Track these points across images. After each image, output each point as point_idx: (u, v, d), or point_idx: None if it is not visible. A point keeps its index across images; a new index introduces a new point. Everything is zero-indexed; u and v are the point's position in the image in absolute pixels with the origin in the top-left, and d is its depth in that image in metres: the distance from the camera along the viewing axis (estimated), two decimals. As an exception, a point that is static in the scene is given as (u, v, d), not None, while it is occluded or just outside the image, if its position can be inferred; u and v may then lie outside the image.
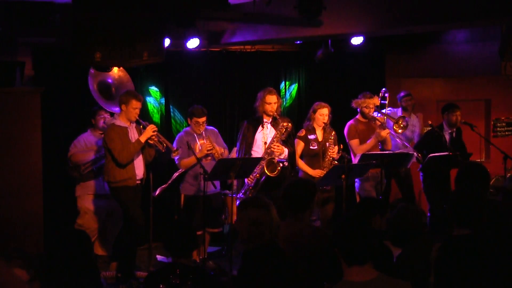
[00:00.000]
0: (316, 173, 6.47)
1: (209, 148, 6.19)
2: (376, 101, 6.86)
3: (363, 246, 2.78)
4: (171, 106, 7.65)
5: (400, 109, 7.64)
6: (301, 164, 6.58)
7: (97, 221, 6.51)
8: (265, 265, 3.39)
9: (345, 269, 2.80)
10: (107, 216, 6.56)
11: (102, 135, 6.39)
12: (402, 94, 7.67)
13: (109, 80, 6.40)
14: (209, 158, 6.26)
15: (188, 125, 6.42)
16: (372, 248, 2.80)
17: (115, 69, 6.29)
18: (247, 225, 3.43)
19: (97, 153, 6.39)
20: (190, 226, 3.82)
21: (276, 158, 6.20)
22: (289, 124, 6.27)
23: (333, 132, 6.58)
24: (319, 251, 3.77)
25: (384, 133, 6.73)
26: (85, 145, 6.41)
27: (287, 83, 8.26)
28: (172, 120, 7.67)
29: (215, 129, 6.58)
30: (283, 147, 6.25)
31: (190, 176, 6.34)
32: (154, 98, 7.56)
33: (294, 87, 8.32)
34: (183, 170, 6.33)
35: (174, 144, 6.27)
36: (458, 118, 7.22)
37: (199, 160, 5.96)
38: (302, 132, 6.61)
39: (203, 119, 6.27)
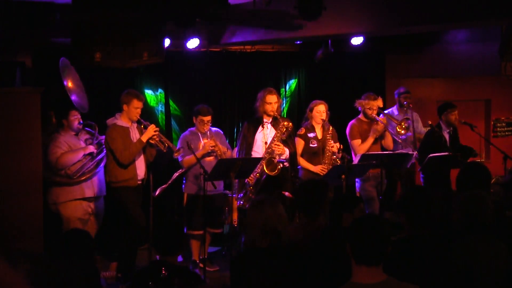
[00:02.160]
0: (318, 169, 6.47)
1: (212, 145, 6.20)
2: (380, 103, 6.86)
3: (375, 245, 2.67)
4: (171, 106, 7.65)
5: (396, 106, 7.62)
6: (302, 162, 6.58)
7: (89, 226, 6.25)
8: (262, 266, 3.38)
9: (353, 269, 2.70)
10: (99, 219, 6.38)
11: (78, 136, 6.24)
12: (401, 90, 7.63)
13: (64, 82, 6.26)
14: (213, 155, 6.25)
15: (193, 125, 6.44)
16: (385, 250, 2.69)
17: (69, 80, 6.19)
18: (261, 225, 3.42)
19: (87, 152, 6.20)
20: (178, 226, 3.80)
21: (277, 157, 6.20)
22: (290, 123, 6.27)
23: (331, 128, 6.56)
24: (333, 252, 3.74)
25: (380, 127, 6.74)
26: (69, 147, 6.13)
27: (287, 83, 8.27)
28: (172, 121, 7.68)
29: (220, 131, 6.60)
30: (284, 147, 6.25)
31: (193, 175, 6.33)
32: (148, 102, 7.52)
33: (293, 82, 8.33)
34: (183, 171, 6.33)
35: (179, 143, 6.31)
36: (456, 117, 7.23)
37: (198, 160, 5.95)
38: (301, 131, 6.62)
39: (208, 118, 6.29)
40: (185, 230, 6.33)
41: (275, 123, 6.33)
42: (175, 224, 3.80)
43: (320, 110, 6.58)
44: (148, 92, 7.54)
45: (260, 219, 3.42)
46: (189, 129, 6.54)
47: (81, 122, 6.21)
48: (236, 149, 6.58)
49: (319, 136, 6.60)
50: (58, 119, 6.25)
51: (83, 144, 6.19)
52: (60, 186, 6.12)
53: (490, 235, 3.57)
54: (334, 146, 6.48)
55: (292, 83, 8.31)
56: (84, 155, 6.11)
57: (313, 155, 6.57)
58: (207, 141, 6.27)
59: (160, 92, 7.60)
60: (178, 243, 3.66)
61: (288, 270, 3.36)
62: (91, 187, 6.15)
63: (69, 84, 6.19)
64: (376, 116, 6.83)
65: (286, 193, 6.17)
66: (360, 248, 2.67)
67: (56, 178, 6.10)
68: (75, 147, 6.14)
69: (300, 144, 6.56)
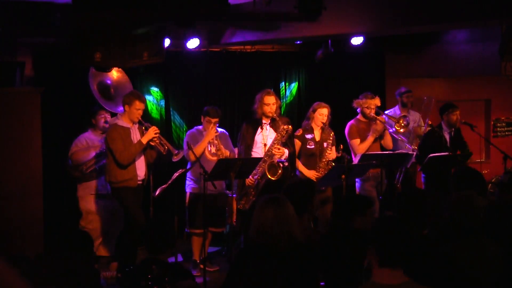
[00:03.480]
0: (311, 173, 6.47)
1: (215, 143, 6.21)
2: (377, 101, 6.86)
3: (400, 248, 2.66)
4: (171, 106, 7.65)
5: (398, 106, 7.62)
6: (298, 163, 6.57)
7: (100, 221, 6.45)
8: (262, 264, 3.38)
9: (375, 270, 2.69)
10: (110, 216, 6.52)
11: (103, 135, 6.38)
12: (402, 90, 7.65)
13: (108, 81, 6.41)
14: (215, 158, 6.25)
15: (200, 123, 6.45)
16: (408, 252, 2.68)
17: (114, 70, 6.29)
18: (257, 225, 3.40)
19: (98, 151, 6.35)
20: (165, 224, 3.85)
21: (277, 159, 6.20)
22: (289, 126, 6.26)
23: (332, 133, 6.57)
24: (316, 253, 3.74)
25: (380, 126, 6.74)
26: (87, 144, 6.36)
27: (287, 83, 8.27)
28: (172, 123, 7.68)
29: (226, 132, 6.60)
30: (284, 149, 6.24)
31: (196, 173, 6.34)
32: (154, 98, 7.57)
33: (294, 86, 8.33)
34: (183, 171, 6.33)
35: (185, 139, 6.34)
36: (458, 117, 7.22)
37: (198, 160, 5.95)
38: (299, 132, 6.62)
39: (216, 120, 6.29)
40: (187, 229, 6.43)
41: (273, 124, 6.32)
42: (165, 223, 3.85)
43: (322, 113, 6.57)
44: (149, 99, 7.52)
45: (258, 220, 3.42)
46: (195, 127, 6.53)
47: (107, 121, 6.39)
48: (236, 151, 6.58)
49: (317, 138, 6.59)
50: (88, 118, 6.50)
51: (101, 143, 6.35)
52: (80, 182, 6.43)
53: (482, 236, 3.53)
54: (331, 154, 6.49)
55: (293, 87, 8.31)
56: (97, 153, 6.28)
57: (310, 156, 6.56)
58: (212, 128, 6.24)
59: (159, 90, 7.61)
60: (168, 241, 3.70)
61: (283, 270, 3.36)
62: (104, 184, 6.30)
63: (114, 72, 6.31)
64: (375, 115, 6.83)
65: None
66: (386, 251, 2.65)
67: (75, 173, 6.38)
68: (93, 145, 6.38)
69: (297, 145, 6.55)
